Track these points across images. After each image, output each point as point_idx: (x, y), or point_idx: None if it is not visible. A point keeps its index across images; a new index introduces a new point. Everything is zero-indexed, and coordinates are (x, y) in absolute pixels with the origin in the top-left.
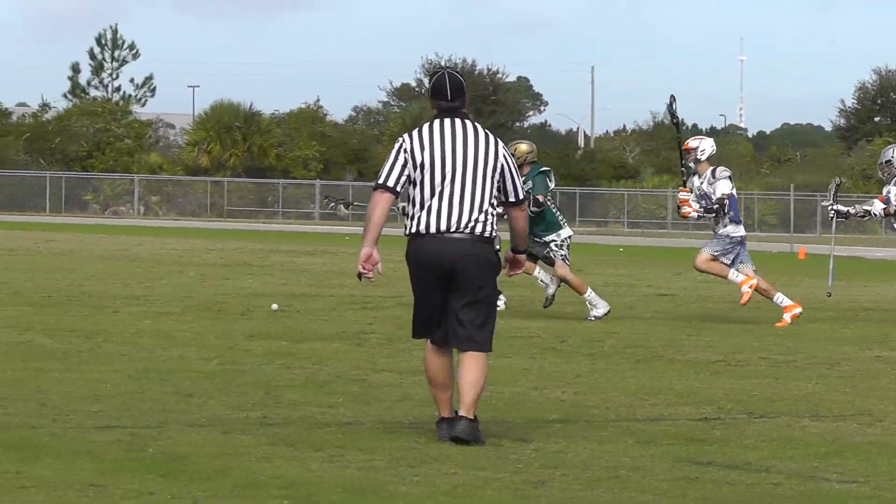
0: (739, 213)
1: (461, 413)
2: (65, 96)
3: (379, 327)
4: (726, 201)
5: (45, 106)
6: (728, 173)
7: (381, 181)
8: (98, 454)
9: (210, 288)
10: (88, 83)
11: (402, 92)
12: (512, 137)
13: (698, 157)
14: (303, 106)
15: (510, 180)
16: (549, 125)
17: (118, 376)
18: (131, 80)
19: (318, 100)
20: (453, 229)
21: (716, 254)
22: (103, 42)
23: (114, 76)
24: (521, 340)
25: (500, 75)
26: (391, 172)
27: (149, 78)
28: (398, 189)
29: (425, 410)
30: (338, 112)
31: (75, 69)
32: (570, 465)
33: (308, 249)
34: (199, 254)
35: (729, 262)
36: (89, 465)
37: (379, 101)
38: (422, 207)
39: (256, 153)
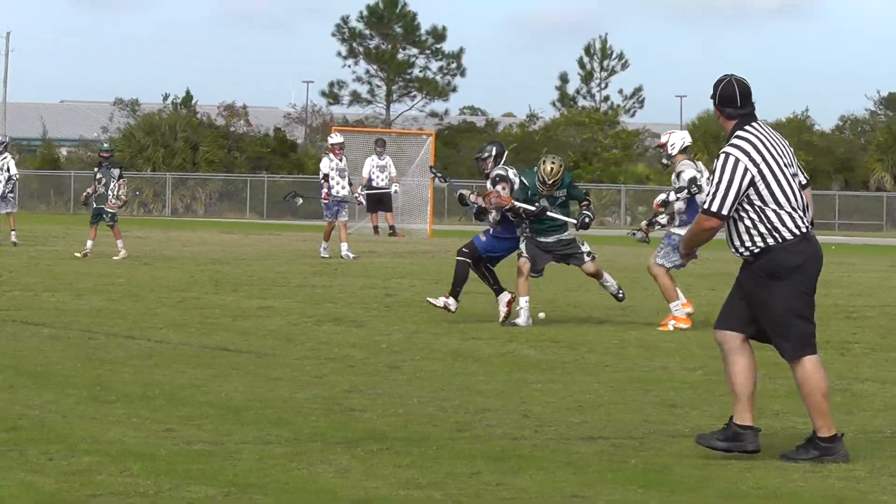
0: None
1: (836, 432)
2: (553, 105)
3: (863, 336)
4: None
5: (531, 116)
6: (685, 181)
7: (717, 209)
8: (580, 465)
9: (696, 298)
10: (577, 92)
11: (890, 101)
12: None
13: (669, 152)
14: (790, 115)
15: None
16: None
17: (601, 387)
18: (620, 91)
19: (807, 109)
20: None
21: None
22: (592, 52)
23: (602, 86)
24: None
25: None
26: (727, 199)
27: (638, 89)
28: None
29: None
30: (825, 121)
31: (564, 79)
32: None
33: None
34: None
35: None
36: (572, 476)
37: (866, 110)
38: (793, 210)
39: None
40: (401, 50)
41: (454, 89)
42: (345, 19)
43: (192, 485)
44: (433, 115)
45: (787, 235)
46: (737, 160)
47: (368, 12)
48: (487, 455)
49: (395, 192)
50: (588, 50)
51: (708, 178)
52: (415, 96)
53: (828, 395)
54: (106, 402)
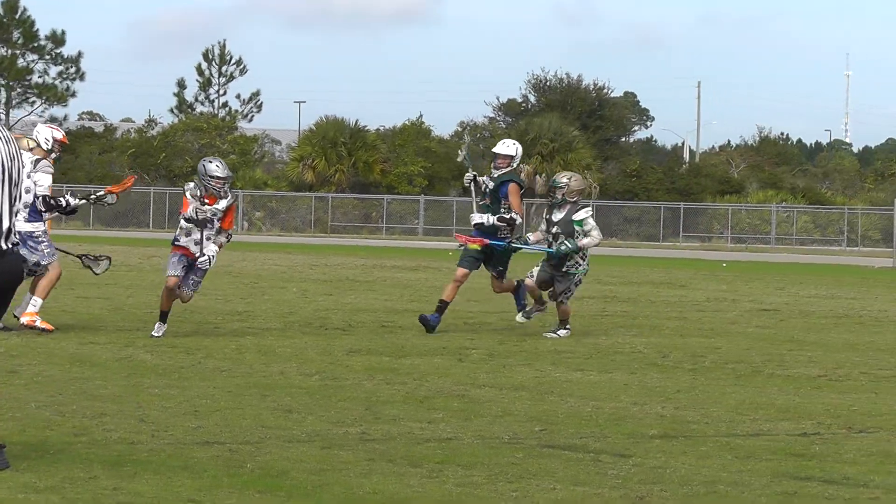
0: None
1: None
2: (171, 111)
3: (480, 343)
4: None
5: (150, 122)
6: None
7: None
8: (197, 470)
9: (312, 304)
10: (195, 98)
11: (509, 107)
12: (616, 153)
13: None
14: (406, 122)
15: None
16: (655, 140)
17: (218, 392)
18: (238, 96)
19: (421, 116)
20: None
21: None
22: (210, 58)
23: (221, 92)
24: (622, 356)
25: (605, 90)
26: None
27: (255, 94)
28: None
29: (525, 426)
30: (444, 127)
31: (182, 85)
32: (668, 480)
33: (412, 265)
34: (301, 270)
35: None
36: (188, 481)
37: (485, 117)
38: None
39: (362, 169)
40: (20, 56)
41: (73, 94)
42: None
43: None
44: (53, 119)
45: None
46: None
47: None
48: (104, 460)
49: None
50: (206, 56)
51: None
52: (34, 102)
53: None
54: None
